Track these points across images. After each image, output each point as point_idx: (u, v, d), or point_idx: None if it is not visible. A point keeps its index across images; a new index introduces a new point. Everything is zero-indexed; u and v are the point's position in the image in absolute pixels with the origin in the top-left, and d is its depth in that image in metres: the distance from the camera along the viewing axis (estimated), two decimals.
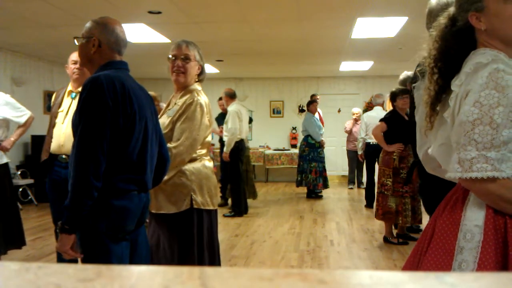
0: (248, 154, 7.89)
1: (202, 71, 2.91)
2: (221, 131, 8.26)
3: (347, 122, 9.76)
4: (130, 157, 2.10)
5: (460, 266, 1.40)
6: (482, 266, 1.36)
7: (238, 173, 7.10)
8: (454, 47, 1.54)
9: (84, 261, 2.05)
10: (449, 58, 1.54)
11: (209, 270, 0.60)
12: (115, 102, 2.02)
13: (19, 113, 4.35)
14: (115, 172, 2.06)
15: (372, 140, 7.18)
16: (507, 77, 1.37)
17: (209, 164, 2.89)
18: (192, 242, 2.75)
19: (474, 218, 1.42)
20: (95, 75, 2.08)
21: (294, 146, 11.82)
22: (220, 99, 8.51)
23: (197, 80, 2.92)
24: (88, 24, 2.24)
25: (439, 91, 1.55)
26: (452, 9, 1.59)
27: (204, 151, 2.86)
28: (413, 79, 2.34)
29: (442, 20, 1.60)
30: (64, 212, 2.01)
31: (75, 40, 2.26)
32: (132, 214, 2.16)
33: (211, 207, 2.84)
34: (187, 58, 2.84)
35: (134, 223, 2.19)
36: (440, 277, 0.54)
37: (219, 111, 8.38)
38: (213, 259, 2.90)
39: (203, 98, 2.83)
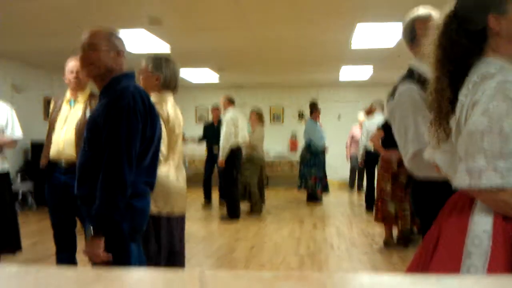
0: (262, 163, 7.96)
1: (164, 81, 2.94)
2: (192, 140, 8.48)
3: (354, 127, 9.79)
4: (147, 161, 2.24)
5: (469, 271, 1.38)
6: (492, 271, 1.35)
7: (232, 178, 7.17)
8: (462, 49, 1.52)
9: (107, 263, 2.10)
10: (458, 60, 1.52)
11: (209, 273, 0.60)
12: (144, 112, 2.17)
13: (13, 130, 4.30)
14: (137, 175, 2.17)
15: (372, 148, 7.20)
16: None
17: (172, 171, 2.88)
18: (147, 247, 2.74)
19: (482, 223, 1.42)
20: (123, 86, 2.18)
21: (293, 152, 11.80)
22: (215, 108, 8.63)
23: (162, 89, 2.96)
24: (103, 33, 2.24)
25: (452, 98, 1.52)
26: (454, 10, 1.56)
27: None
28: (390, 95, 2.33)
29: (444, 21, 1.57)
30: (94, 216, 2.08)
31: (91, 47, 2.21)
32: (147, 215, 2.30)
33: (166, 212, 2.84)
34: (141, 71, 2.97)
35: (146, 224, 2.31)
36: (440, 280, 0.54)
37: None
38: (173, 265, 2.91)
39: (167, 107, 2.91)
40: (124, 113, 2.10)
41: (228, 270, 0.65)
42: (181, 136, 3.06)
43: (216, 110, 8.60)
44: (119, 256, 2.14)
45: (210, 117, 9.60)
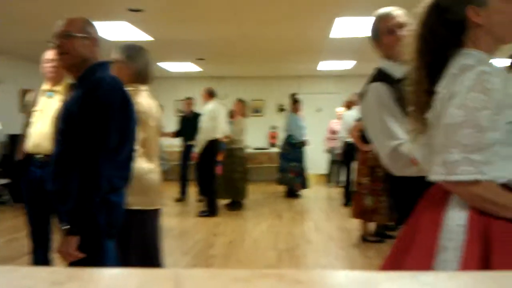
0: (244, 155, 7.86)
1: (138, 71, 2.86)
2: (169, 134, 8.35)
3: (332, 121, 9.80)
4: (123, 155, 2.19)
5: (443, 265, 1.39)
6: (466, 265, 1.35)
7: (211, 173, 7.10)
8: (442, 40, 1.52)
9: (82, 261, 2.03)
10: (437, 51, 1.52)
11: (184, 272, 0.59)
12: (122, 103, 2.12)
13: None
14: (112, 169, 2.12)
15: (351, 140, 7.23)
16: (493, 80, 1.37)
17: (146, 164, 2.83)
18: (123, 242, 2.70)
19: (456, 218, 1.42)
20: (99, 76, 2.12)
21: (273, 145, 11.82)
22: (188, 98, 8.49)
23: (135, 80, 2.86)
24: (78, 21, 2.19)
25: (430, 90, 1.52)
26: (436, 1, 1.55)
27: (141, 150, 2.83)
28: (360, 96, 2.36)
29: (425, 11, 1.56)
30: (67, 213, 2.02)
31: (68, 35, 2.15)
32: (123, 210, 2.24)
33: (140, 207, 2.77)
34: (113, 61, 2.82)
35: (122, 220, 2.25)
36: (415, 276, 0.55)
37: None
38: (145, 262, 2.86)
39: (142, 100, 2.82)
40: (100, 105, 2.05)
41: (204, 269, 0.64)
42: (157, 129, 2.98)
43: (189, 101, 8.46)
44: (95, 254, 2.08)
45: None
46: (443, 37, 1.51)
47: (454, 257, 1.38)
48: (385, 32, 2.29)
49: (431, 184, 1.52)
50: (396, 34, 2.25)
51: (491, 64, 1.45)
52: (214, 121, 7.02)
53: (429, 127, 1.53)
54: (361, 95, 2.34)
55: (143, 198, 2.77)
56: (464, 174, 1.35)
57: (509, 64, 4.45)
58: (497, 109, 1.36)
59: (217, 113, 7.11)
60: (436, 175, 1.42)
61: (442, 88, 1.46)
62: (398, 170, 2.15)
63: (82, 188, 2.00)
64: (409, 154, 1.73)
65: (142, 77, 2.89)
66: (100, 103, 2.05)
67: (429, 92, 1.51)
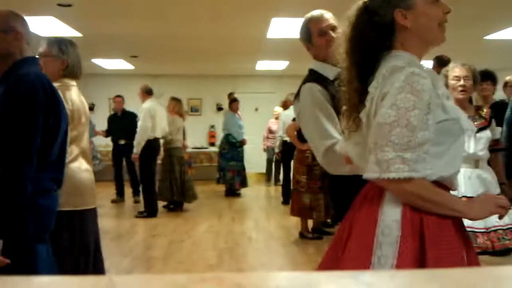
0: (182, 154, 7.66)
1: (67, 66, 2.73)
2: (101, 133, 8.13)
3: (270, 121, 9.86)
4: (54, 155, 2.09)
5: (380, 261, 1.42)
6: (401, 260, 1.39)
7: (151, 173, 6.94)
8: (370, 42, 1.55)
9: (11, 267, 1.90)
10: (366, 53, 1.55)
11: (117, 279, 0.56)
12: (46, 101, 1.99)
13: None
14: (41, 171, 2.01)
15: (289, 139, 7.32)
16: (422, 81, 1.41)
17: (78, 163, 2.73)
18: (58, 245, 2.60)
19: (391, 214, 1.46)
20: (23, 72, 2.00)
21: (212, 144, 11.77)
22: (118, 96, 8.29)
23: (65, 75, 2.74)
24: (0, 15, 2.07)
25: (361, 90, 1.55)
26: (365, 3, 1.58)
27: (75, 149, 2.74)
28: (295, 96, 2.39)
29: (355, 13, 1.59)
30: None
31: None
32: (54, 213, 2.14)
33: (69, 208, 2.65)
34: (41, 55, 2.68)
35: (53, 224, 2.15)
36: (356, 276, 0.54)
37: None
38: (79, 264, 2.73)
39: (71, 95, 2.71)
40: (21, 103, 1.93)
41: (140, 275, 0.61)
42: (88, 126, 2.87)
43: (119, 99, 8.25)
44: (25, 260, 1.98)
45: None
46: (372, 39, 1.54)
47: (391, 252, 1.42)
48: (316, 34, 2.32)
49: (366, 181, 1.55)
50: (328, 36, 2.28)
51: (420, 66, 1.50)
52: (153, 119, 6.86)
53: (362, 126, 1.56)
54: (296, 96, 2.36)
55: (75, 198, 2.65)
56: (397, 172, 1.39)
57: (432, 66, 4.66)
58: (427, 109, 1.40)
59: (155, 111, 6.95)
60: (370, 173, 1.45)
61: (374, 88, 1.50)
62: (333, 169, 2.19)
63: (3, 191, 1.89)
64: (343, 153, 1.76)
65: (73, 72, 2.76)
66: (22, 101, 1.94)
67: (361, 92, 1.55)
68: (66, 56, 2.71)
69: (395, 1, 1.53)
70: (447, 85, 3.14)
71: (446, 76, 3.18)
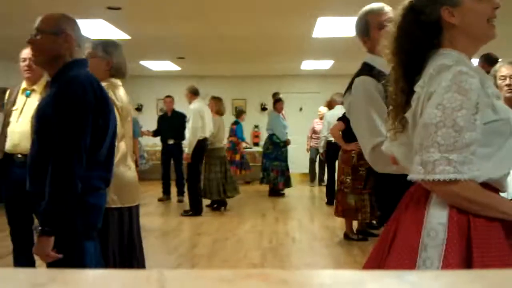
0: (224, 154, 7.79)
1: (113, 66, 2.82)
2: (148, 133, 8.24)
3: (315, 121, 9.82)
4: (102, 155, 2.14)
5: (425, 263, 1.40)
6: (447, 263, 1.37)
7: (197, 173, 7.02)
8: (417, 41, 1.52)
9: (60, 262, 2.00)
10: (412, 52, 1.53)
11: (168, 273, 0.58)
12: (95, 102, 2.05)
13: None
14: (90, 170, 2.07)
15: (334, 139, 7.27)
16: (470, 80, 1.38)
17: (123, 161, 2.80)
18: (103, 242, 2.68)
19: (437, 216, 1.43)
20: (73, 74, 2.07)
21: (256, 144, 11.83)
22: (168, 96, 8.40)
23: (112, 75, 2.84)
24: (51, 18, 2.15)
25: (408, 90, 1.53)
26: (411, 2, 1.56)
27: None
28: (347, 89, 2.37)
29: (401, 13, 1.58)
30: (41, 213, 1.98)
31: (39, 33, 2.11)
32: (102, 211, 2.20)
33: (118, 205, 2.75)
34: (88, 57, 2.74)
35: (102, 221, 2.22)
36: (400, 275, 0.55)
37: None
38: (125, 259, 2.82)
39: (119, 93, 2.79)
40: (72, 104, 2.00)
41: (188, 270, 0.63)
42: (131, 125, 2.97)
43: (169, 100, 8.36)
44: (74, 255, 2.05)
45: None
46: (419, 38, 1.52)
47: (436, 255, 1.40)
48: (376, 27, 2.29)
49: (413, 182, 1.53)
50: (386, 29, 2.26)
51: (468, 64, 1.47)
52: (202, 120, 6.95)
53: (408, 126, 1.54)
54: (348, 88, 2.33)
55: (120, 196, 2.74)
56: (443, 173, 1.36)
57: (480, 64, 4.50)
58: (474, 109, 1.37)
59: (203, 112, 7.04)
60: (415, 174, 1.43)
61: (420, 88, 1.48)
62: (380, 167, 2.16)
63: (54, 189, 1.95)
64: (388, 153, 1.74)
65: (119, 72, 2.85)
66: (72, 102, 2.00)
67: (407, 92, 1.53)
68: (110, 57, 2.81)
69: None
70: (496, 85, 3.05)
71: (495, 77, 3.09)
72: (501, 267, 1.37)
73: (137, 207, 2.92)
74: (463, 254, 1.38)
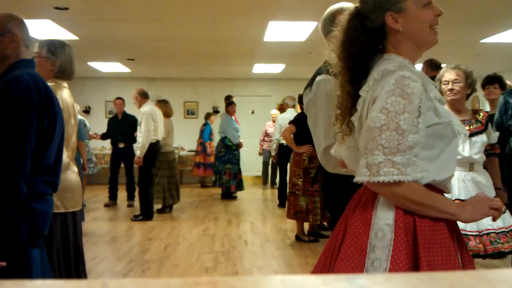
0: (174, 158, 7.69)
1: (58, 67, 2.73)
2: (96, 136, 8.06)
3: (267, 124, 9.87)
4: (49, 158, 2.06)
5: (373, 264, 1.43)
6: (394, 263, 1.40)
7: (150, 176, 6.90)
8: (361, 46, 1.55)
9: (5, 270, 1.90)
10: (357, 57, 1.55)
11: (111, 282, 0.56)
12: (40, 102, 1.97)
13: None
14: (37, 174, 1.99)
15: (285, 142, 7.32)
16: (412, 84, 1.41)
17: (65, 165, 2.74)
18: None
19: (384, 217, 1.46)
20: (17, 74, 1.98)
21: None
22: (118, 98, 8.24)
23: (57, 76, 2.75)
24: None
25: (353, 94, 1.55)
26: (357, 8, 1.60)
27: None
28: (307, 86, 2.39)
29: (347, 18, 1.60)
30: None
31: None
32: (49, 218, 2.12)
33: (61, 210, 2.67)
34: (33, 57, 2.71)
35: (48, 228, 2.13)
36: (351, 279, 0.54)
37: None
38: (71, 266, 2.73)
39: (62, 94, 2.71)
40: (15, 105, 1.91)
41: (133, 279, 0.60)
42: (76, 129, 2.88)
43: (120, 102, 8.14)
44: (19, 264, 1.96)
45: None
46: (364, 43, 1.55)
47: (384, 255, 1.42)
48: None
49: (360, 184, 1.55)
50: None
51: (411, 69, 1.51)
52: (154, 122, 6.83)
53: (354, 130, 1.57)
54: (308, 85, 2.34)
55: (64, 201, 2.65)
56: (387, 175, 1.39)
57: (423, 69, 4.65)
58: (417, 112, 1.41)
59: (156, 114, 6.93)
60: (361, 176, 1.46)
61: (365, 92, 1.51)
62: (331, 167, 2.18)
63: (0, 193, 1.87)
64: (337, 157, 1.76)
65: (64, 73, 2.76)
66: (16, 102, 1.92)
67: (353, 96, 1.55)
68: (55, 57, 2.72)
69: (386, 5, 1.54)
70: (440, 90, 3.15)
71: (440, 81, 3.19)
72: (446, 266, 1.41)
73: (80, 211, 2.83)
74: (410, 254, 1.41)
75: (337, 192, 2.19)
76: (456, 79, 3.12)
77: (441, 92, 3.12)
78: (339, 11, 2.32)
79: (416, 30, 1.54)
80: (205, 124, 10.08)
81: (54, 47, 2.73)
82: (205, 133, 9.96)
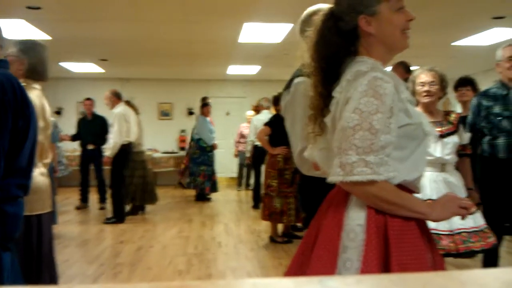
0: (145, 158, 7.57)
1: (30, 67, 2.68)
2: (67, 138, 7.92)
3: (242, 125, 9.87)
4: (22, 161, 2.01)
5: (345, 265, 1.44)
6: (366, 264, 1.40)
7: (121, 178, 6.81)
8: (334, 47, 1.57)
9: None
10: (330, 58, 1.57)
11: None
12: (16, 103, 1.93)
13: None
14: (9, 177, 1.94)
15: (260, 143, 7.32)
16: (384, 85, 1.43)
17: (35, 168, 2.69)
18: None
19: (356, 218, 1.47)
20: None
21: (182, 148, 11.70)
22: (88, 99, 8.10)
23: (28, 76, 2.70)
24: None
25: (326, 95, 1.57)
26: (331, 9, 1.61)
27: None
28: (285, 88, 2.39)
29: (321, 19, 1.62)
30: None
31: None
32: (21, 221, 2.06)
33: (26, 213, 2.62)
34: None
35: (19, 231, 2.08)
36: (323, 281, 0.54)
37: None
38: (33, 271, 2.68)
39: (33, 97, 2.62)
40: None
41: (103, 284, 0.59)
42: (48, 130, 2.81)
43: (89, 102, 8.00)
44: None
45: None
46: (337, 44, 1.56)
47: (356, 255, 1.43)
48: None
49: (335, 185, 1.56)
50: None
51: (383, 70, 1.53)
52: (127, 124, 6.74)
53: (327, 130, 1.58)
54: (287, 87, 2.34)
55: (29, 203, 2.58)
56: (360, 174, 1.40)
57: (395, 71, 4.73)
58: (389, 112, 1.43)
59: (128, 116, 6.84)
60: (335, 176, 1.47)
61: (338, 93, 1.52)
62: (306, 170, 2.19)
63: None
64: (310, 159, 1.77)
65: (34, 73, 2.70)
66: None
67: (326, 97, 1.57)
68: (25, 56, 2.66)
69: (359, 8, 1.55)
70: (414, 91, 3.18)
71: (414, 82, 3.22)
72: (417, 266, 1.43)
73: (48, 214, 2.75)
74: (381, 254, 1.43)
75: (314, 193, 2.20)
76: (432, 81, 3.16)
77: (414, 93, 3.16)
78: (316, 13, 2.33)
79: (388, 33, 1.56)
80: None
81: (25, 46, 2.67)
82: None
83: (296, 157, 2.22)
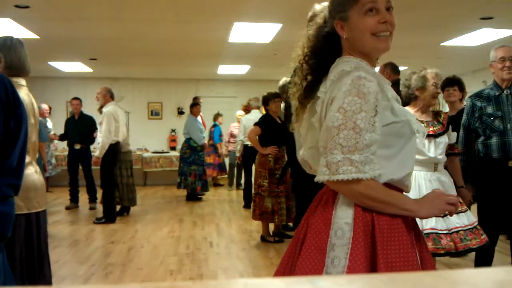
0: (131, 158, 7.51)
1: (6, 63, 2.65)
2: (55, 137, 7.86)
3: (232, 125, 9.89)
4: (13, 160, 2.00)
5: (333, 262, 1.45)
6: (353, 261, 1.42)
7: (112, 178, 6.78)
8: (323, 48, 1.62)
9: None
10: (319, 57, 1.62)
11: None
12: (7, 102, 1.91)
13: None
14: (0, 176, 1.93)
15: (250, 143, 7.32)
16: (368, 84, 1.45)
17: (30, 166, 2.69)
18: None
19: (343, 216, 1.48)
20: None
21: (173, 148, 11.67)
22: (75, 98, 8.05)
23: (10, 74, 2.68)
24: None
25: (308, 87, 1.61)
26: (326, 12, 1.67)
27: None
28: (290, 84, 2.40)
29: (318, 20, 1.68)
30: None
31: None
32: (12, 220, 2.06)
33: (24, 211, 2.59)
34: None
35: (11, 231, 2.07)
36: (313, 281, 0.54)
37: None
38: (35, 269, 2.68)
39: (22, 95, 2.62)
40: None
41: (92, 285, 0.58)
42: (37, 127, 2.80)
43: (77, 102, 7.93)
44: None
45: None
46: (322, 45, 1.62)
47: (343, 253, 1.44)
48: None
49: (324, 184, 1.57)
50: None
51: (367, 69, 1.54)
52: (116, 123, 6.71)
53: (314, 130, 1.59)
54: (282, 87, 2.35)
55: (27, 201, 2.57)
56: (346, 173, 1.42)
57: (382, 72, 4.76)
58: (373, 111, 1.44)
59: (118, 115, 6.80)
60: (321, 175, 1.48)
61: (323, 93, 1.55)
62: (308, 169, 2.20)
63: None
64: (304, 159, 1.79)
65: (12, 69, 2.66)
66: None
67: (308, 90, 1.62)
68: (2, 53, 2.63)
69: (333, 13, 1.60)
70: (417, 89, 3.21)
71: (426, 79, 3.22)
72: (404, 263, 1.45)
73: (44, 212, 2.74)
74: (368, 252, 1.44)
75: (308, 192, 2.21)
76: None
77: (410, 94, 3.23)
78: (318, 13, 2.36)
79: (357, 38, 1.57)
80: (214, 126, 10.19)
81: (2, 42, 2.64)
82: (215, 135, 10.08)
83: (299, 155, 2.24)
